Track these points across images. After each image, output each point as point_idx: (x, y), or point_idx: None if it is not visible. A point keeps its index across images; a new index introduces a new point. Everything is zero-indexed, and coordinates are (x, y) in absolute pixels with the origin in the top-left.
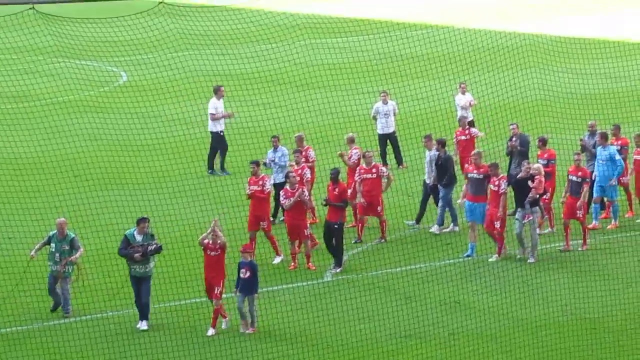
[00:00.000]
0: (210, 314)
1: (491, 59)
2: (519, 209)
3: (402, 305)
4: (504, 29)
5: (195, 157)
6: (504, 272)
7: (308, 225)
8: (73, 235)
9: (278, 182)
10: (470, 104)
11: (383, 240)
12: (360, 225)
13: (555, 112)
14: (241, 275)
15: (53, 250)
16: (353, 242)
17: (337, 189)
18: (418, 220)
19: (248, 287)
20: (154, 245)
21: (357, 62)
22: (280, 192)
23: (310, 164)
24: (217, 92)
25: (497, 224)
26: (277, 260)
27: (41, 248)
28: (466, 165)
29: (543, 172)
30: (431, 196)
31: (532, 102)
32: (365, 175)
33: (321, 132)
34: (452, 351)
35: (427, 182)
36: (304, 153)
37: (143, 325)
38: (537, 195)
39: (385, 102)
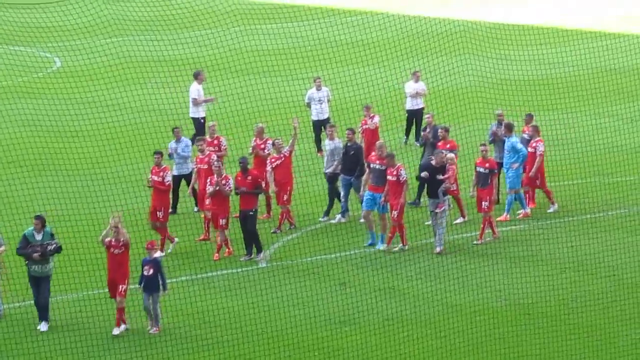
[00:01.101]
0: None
1: (425, 45)
2: (431, 200)
3: (336, 292)
4: (439, 15)
5: (130, 144)
6: (438, 258)
7: (227, 216)
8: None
9: (180, 174)
10: (420, 92)
11: (278, 231)
12: (281, 215)
13: (489, 98)
14: (145, 272)
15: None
16: (272, 232)
17: (249, 177)
18: (327, 213)
19: (151, 284)
20: (54, 245)
21: (291, 48)
22: (207, 180)
23: (221, 153)
24: (198, 77)
25: (395, 214)
26: (169, 249)
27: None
28: (370, 156)
29: (456, 162)
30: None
31: (465, 89)
32: (276, 163)
33: (254, 119)
34: (387, 337)
35: (327, 172)
36: (214, 142)
37: (43, 326)
38: (451, 185)
39: (319, 89)
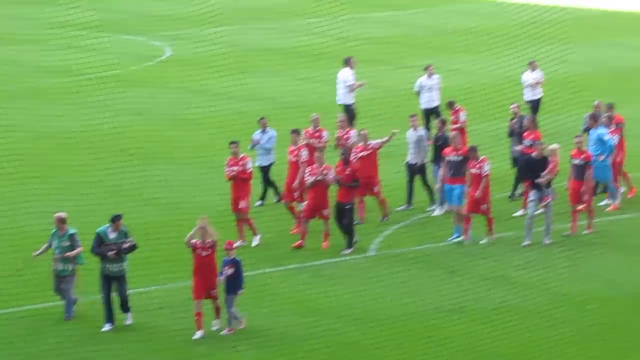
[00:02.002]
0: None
1: (534, 33)
2: (533, 191)
3: (445, 280)
4: (547, 3)
5: (239, 133)
6: (547, 247)
7: (328, 205)
8: (73, 231)
9: (263, 164)
10: (537, 81)
11: (386, 219)
12: (360, 205)
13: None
14: (225, 273)
15: (54, 247)
16: (380, 220)
17: (349, 169)
18: (409, 202)
19: (231, 285)
20: (129, 243)
21: (401, 36)
22: (306, 169)
23: (320, 145)
24: (349, 62)
25: (485, 207)
26: (256, 241)
27: (46, 250)
28: (445, 149)
29: (559, 153)
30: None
31: (574, 77)
32: (362, 154)
33: (364, 107)
34: (495, 326)
35: (412, 162)
36: (316, 133)
37: (128, 320)
38: (552, 177)
39: (430, 76)
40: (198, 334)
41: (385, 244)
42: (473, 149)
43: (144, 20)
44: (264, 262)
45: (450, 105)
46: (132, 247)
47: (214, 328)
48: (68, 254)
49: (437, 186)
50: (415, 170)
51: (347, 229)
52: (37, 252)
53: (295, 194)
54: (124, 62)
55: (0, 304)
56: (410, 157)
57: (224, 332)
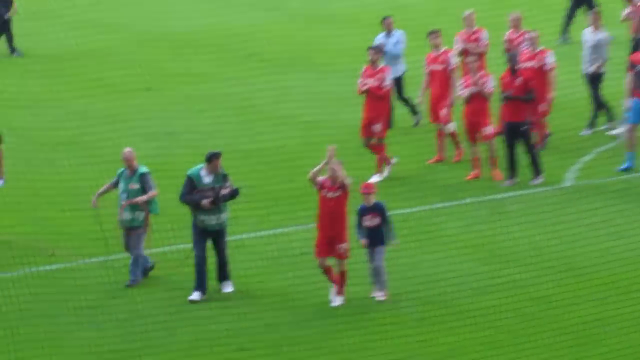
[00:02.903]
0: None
1: None
2: None
3: None
4: None
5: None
6: None
7: (491, 122)
8: (145, 171)
9: (393, 76)
10: None
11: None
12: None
13: None
14: (366, 223)
15: (120, 191)
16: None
17: (518, 78)
18: (610, 119)
19: (375, 237)
20: (228, 189)
21: None
22: (458, 82)
23: (480, 49)
24: None
25: None
26: (375, 178)
27: (107, 191)
28: (636, 53)
29: None
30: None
31: None
32: (528, 64)
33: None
34: None
35: (588, 72)
36: (473, 35)
37: (227, 287)
38: None
39: None
40: (336, 301)
41: (584, 173)
42: None
43: None
44: (428, 197)
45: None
46: (233, 194)
47: (335, 304)
48: (136, 199)
49: (625, 102)
50: (595, 80)
51: (530, 155)
52: (95, 197)
53: (443, 113)
54: None
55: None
56: (586, 65)
57: (379, 296)
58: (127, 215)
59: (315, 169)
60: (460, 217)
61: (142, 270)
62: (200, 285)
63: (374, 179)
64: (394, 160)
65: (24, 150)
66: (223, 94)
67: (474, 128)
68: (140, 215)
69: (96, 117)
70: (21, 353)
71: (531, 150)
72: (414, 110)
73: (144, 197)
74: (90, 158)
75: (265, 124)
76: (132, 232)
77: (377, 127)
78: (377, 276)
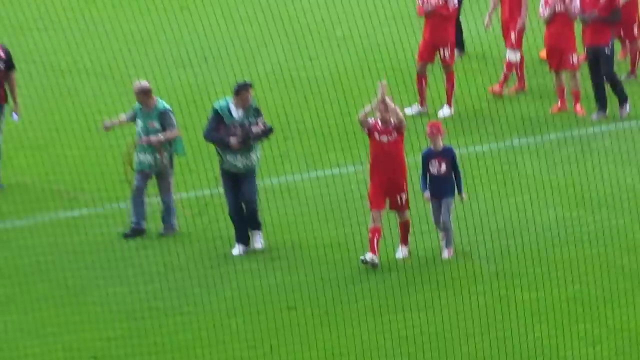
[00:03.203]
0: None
1: None
2: None
3: None
4: None
5: None
6: None
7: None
8: (165, 107)
9: None
10: None
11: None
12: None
13: None
14: (433, 170)
15: (139, 130)
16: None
17: None
18: None
19: (442, 187)
20: (261, 127)
21: None
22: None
23: None
24: None
25: None
26: (445, 112)
27: (123, 123)
28: None
29: None
30: None
31: None
32: None
33: None
34: None
35: None
36: None
37: (257, 243)
38: None
39: None
40: (401, 252)
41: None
42: None
43: None
44: (506, 133)
45: None
46: (266, 132)
47: (399, 255)
48: (151, 138)
49: None
50: None
51: (608, 80)
52: (110, 122)
53: (511, 38)
54: None
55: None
56: None
57: (444, 254)
58: (147, 158)
59: (364, 110)
60: (543, 155)
61: (173, 218)
62: (242, 237)
63: (444, 111)
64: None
65: (41, 78)
66: (267, 13)
67: (557, 54)
68: (164, 157)
69: (123, 40)
70: (39, 313)
71: (612, 78)
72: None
73: (160, 137)
74: (116, 87)
75: (317, 47)
76: (158, 177)
77: (446, 51)
78: (444, 232)
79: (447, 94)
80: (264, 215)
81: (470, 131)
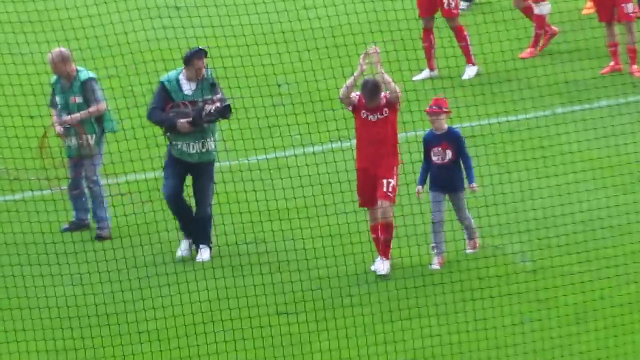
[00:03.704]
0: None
1: None
2: None
3: None
4: None
5: None
6: None
7: None
8: (89, 76)
9: None
10: None
11: None
12: None
13: None
14: (434, 158)
15: (59, 108)
16: None
17: None
18: None
19: (448, 179)
20: (218, 104)
21: None
22: None
23: None
24: None
25: None
26: (470, 72)
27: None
28: None
29: None
30: None
31: None
32: None
33: None
34: None
35: None
36: None
37: (203, 252)
38: None
39: None
40: (379, 268)
41: None
42: None
43: None
44: (546, 99)
45: None
46: (223, 112)
47: (379, 271)
48: (71, 117)
49: None
50: None
51: None
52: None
53: None
54: None
55: None
56: None
57: (469, 249)
58: (73, 141)
59: (346, 84)
60: (590, 126)
61: (104, 211)
62: (188, 234)
63: (469, 72)
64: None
65: None
66: None
67: (608, 3)
68: (91, 137)
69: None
70: None
71: None
72: None
73: (77, 115)
74: (69, 43)
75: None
76: (80, 163)
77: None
78: (464, 229)
79: (464, 53)
80: (247, 198)
81: (503, 98)
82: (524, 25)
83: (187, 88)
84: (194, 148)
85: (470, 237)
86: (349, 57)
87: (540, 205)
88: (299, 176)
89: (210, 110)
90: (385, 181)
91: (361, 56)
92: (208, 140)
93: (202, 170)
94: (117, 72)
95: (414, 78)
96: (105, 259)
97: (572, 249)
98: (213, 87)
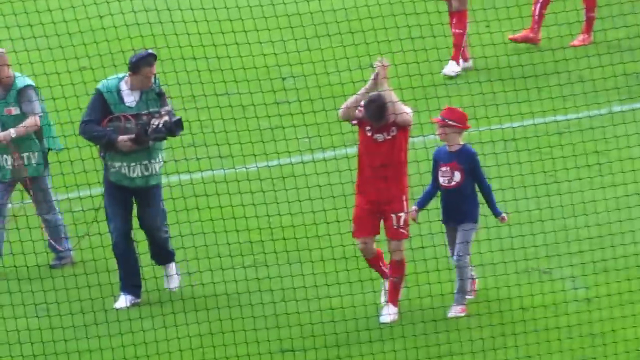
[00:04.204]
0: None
1: None
2: None
3: None
4: None
5: None
6: None
7: None
8: (26, 83)
9: None
10: None
11: None
12: None
13: None
14: (441, 179)
15: None
16: None
17: None
18: None
19: (456, 206)
20: (167, 118)
21: None
22: None
23: None
24: None
25: None
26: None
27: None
28: None
29: None
30: None
31: None
32: None
33: None
34: None
35: None
36: None
37: (172, 282)
38: None
39: None
40: (385, 315)
41: None
42: None
43: None
44: (601, 95)
45: None
46: (174, 126)
47: (383, 319)
48: (6, 132)
49: None
50: None
51: None
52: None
53: None
54: None
55: None
56: None
57: (452, 312)
58: (5, 161)
59: (346, 104)
60: None
61: (64, 241)
62: (129, 283)
63: (448, 68)
64: None
65: None
66: None
67: None
68: (32, 156)
69: None
70: None
71: None
72: None
73: (10, 132)
74: (25, 29)
75: None
76: (33, 184)
77: None
78: (457, 276)
79: (454, 44)
80: (245, 214)
81: (550, 94)
82: (575, 7)
83: (131, 99)
84: (135, 171)
85: (458, 300)
86: (366, 45)
87: (595, 221)
88: (307, 187)
89: (157, 126)
90: (394, 216)
91: (372, 74)
92: (153, 161)
93: (149, 195)
94: (89, 64)
95: (444, 71)
96: (76, 286)
97: (633, 273)
98: (160, 97)
